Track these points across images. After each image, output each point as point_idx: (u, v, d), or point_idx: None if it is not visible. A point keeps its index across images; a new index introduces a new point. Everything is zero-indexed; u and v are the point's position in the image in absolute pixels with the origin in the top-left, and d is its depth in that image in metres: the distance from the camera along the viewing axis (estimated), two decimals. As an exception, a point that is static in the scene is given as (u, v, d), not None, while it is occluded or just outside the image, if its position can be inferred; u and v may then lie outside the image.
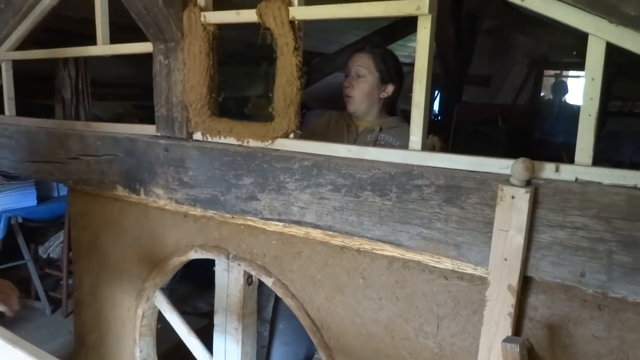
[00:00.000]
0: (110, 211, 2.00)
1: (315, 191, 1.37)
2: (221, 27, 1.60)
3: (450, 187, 1.17)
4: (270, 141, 1.49)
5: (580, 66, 4.66)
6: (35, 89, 2.91)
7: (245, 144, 1.54)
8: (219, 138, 1.60)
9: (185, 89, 1.61)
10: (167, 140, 1.67)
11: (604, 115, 3.94)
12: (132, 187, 1.81)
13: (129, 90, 3.99)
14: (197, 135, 1.65)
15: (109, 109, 3.79)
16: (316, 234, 1.44)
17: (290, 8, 1.38)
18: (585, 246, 1.03)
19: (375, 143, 1.83)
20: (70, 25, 2.76)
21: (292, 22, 1.39)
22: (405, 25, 4.53)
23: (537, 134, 4.00)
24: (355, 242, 1.37)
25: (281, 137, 1.47)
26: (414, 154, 1.25)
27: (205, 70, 1.57)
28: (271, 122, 1.49)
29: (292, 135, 1.47)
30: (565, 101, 5.31)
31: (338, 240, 1.41)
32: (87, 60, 2.91)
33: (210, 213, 1.65)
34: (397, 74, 1.90)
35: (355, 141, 1.87)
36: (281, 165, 1.43)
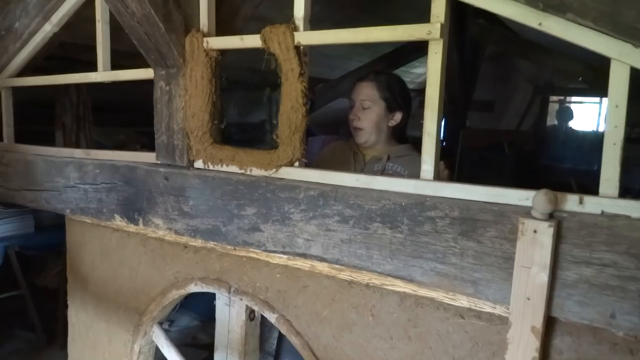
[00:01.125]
0: (108, 241, 1.93)
1: (321, 222, 1.30)
2: (224, 53, 1.56)
3: (466, 219, 1.10)
4: (274, 170, 1.42)
5: (586, 92, 4.67)
6: (36, 116, 2.87)
7: (248, 172, 1.48)
8: (221, 166, 1.54)
9: (186, 115, 1.56)
10: (168, 169, 1.62)
11: (612, 141, 3.89)
12: (131, 216, 1.75)
13: (131, 116, 3.97)
14: (199, 164, 1.60)
15: (111, 135, 3.75)
16: (322, 267, 1.36)
17: (295, 33, 1.34)
18: (614, 285, 0.95)
19: (383, 173, 1.77)
20: (71, 52, 2.74)
21: (297, 47, 1.35)
22: (410, 51, 4.55)
23: (544, 160, 3.94)
24: (364, 277, 1.29)
25: (286, 165, 1.41)
26: (426, 183, 1.18)
27: (207, 97, 1.53)
28: (275, 149, 1.43)
29: (297, 164, 1.41)
30: (570, 127, 5.27)
31: (346, 275, 1.33)
32: (89, 86, 2.88)
33: (211, 244, 1.58)
34: (404, 100, 1.84)
35: (362, 171, 1.81)
36: (286, 195, 1.36)
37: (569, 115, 5.32)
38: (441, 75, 1.17)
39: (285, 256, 1.41)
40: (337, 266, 1.31)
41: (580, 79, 3.84)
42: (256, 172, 1.46)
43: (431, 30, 1.14)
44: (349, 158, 1.87)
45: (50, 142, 2.84)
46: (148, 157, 1.72)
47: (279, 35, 1.34)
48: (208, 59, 1.51)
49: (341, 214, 1.27)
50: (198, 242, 1.62)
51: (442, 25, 1.14)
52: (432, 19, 1.15)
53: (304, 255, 1.35)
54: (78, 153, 1.95)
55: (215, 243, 1.56)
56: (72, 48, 2.73)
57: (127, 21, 1.47)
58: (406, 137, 1.92)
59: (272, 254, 1.44)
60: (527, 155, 3.72)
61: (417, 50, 4.52)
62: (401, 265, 1.19)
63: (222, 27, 1.59)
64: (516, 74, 6.56)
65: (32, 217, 2.99)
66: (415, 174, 1.67)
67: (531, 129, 4.40)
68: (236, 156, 1.50)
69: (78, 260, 2.05)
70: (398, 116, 1.84)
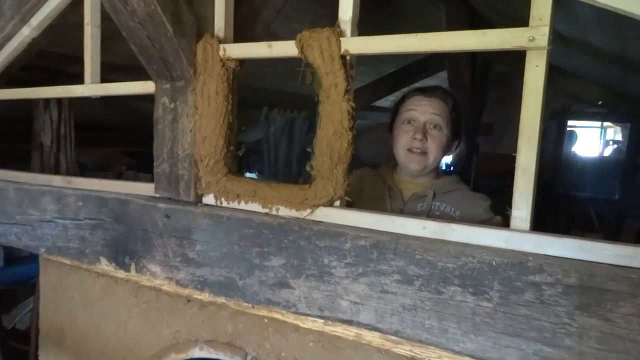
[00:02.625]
0: (91, 288, 1.59)
1: (375, 281, 1.01)
2: (242, 64, 1.27)
3: (588, 288, 0.81)
4: (309, 210, 1.13)
5: (605, 117, 4.51)
6: (10, 133, 2.54)
7: (275, 212, 1.18)
8: (238, 204, 1.24)
9: (195, 139, 1.26)
10: (169, 204, 1.31)
11: (634, 169, 3.70)
12: (121, 261, 1.43)
13: (115, 134, 3.64)
14: (209, 199, 1.29)
15: (95, 155, 3.42)
16: (372, 337, 1.06)
17: (342, 39, 1.06)
18: None
19: (429, 215, 1.43)
20: (54, 62, 2.43)
21: (343, 57, 1.07)
22: (415, 72, 4.32)
23: (561, 188, 3.71)
24: (431, 354, 0.99)
25: (324, 205, 1.11)
26: (525, 237, 0.90)
27: (223, 117, 1.23)
28: (310, 184, 1.14)
29: (338, 203, 1.12)
30: (574, 152, 5.09)
31: (404, 349, 1.03)
32: (72, 102, 2.56)
33: (221, 299, 1.27)
34: (463, 128, 1.54)
35: (401, 212, 1.48)
36: (325, 243, 1.07)
37: (574, 139, 5.15)
38: (543, 96, 0.90)
39: (321, 320, 1.10)
40: (394, 338, 1.01)
41: (600, 102, 3.65)
42: (285, 212, 1.16)
43: (534, 37, 0.87)
44: (383, 194, 1.54)
45: (25, 163, 2.50)
46: (144, 188, 1.41)
47: (322, 41, 1.06)
48: (224, 71, 1.22)
49: (403, 271, 0.98)
50: (205, 296, 1.30)
51: (548, 30, 0.87)
52: (532, 21, 0.89)
53: (349, 322, 1.05)
54: (57, 181, 1.63)
55: (227, 298, 1.25)
56: (55, 58, 2.42)
57: (126, 21, 1.18)
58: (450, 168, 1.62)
59: (303, 317, 1.13)
60: (545, 183, 3.50)
61: (423, 70, 4.30)
62: (489, 344, 0.90)
63: (239, 32, 1.31)
64: (515, 97, 6.39)
65: (1, 249, 2.62)
66: (468, 215, 1.40)
67: (549, 155, 4.19)
68: (258, 191, 1.20)
69: (53, 309, 1.71)
70: (454, 145, 1.52)
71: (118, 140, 3.61)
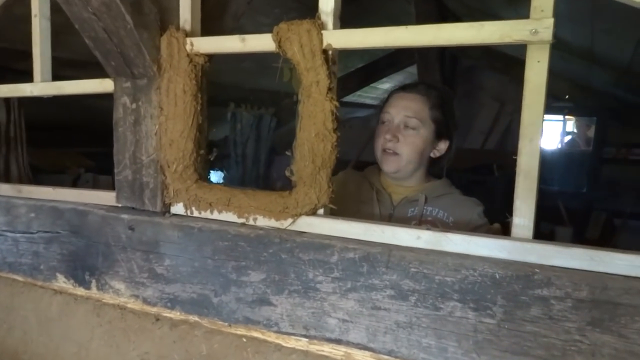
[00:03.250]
0: (47, 307, 1.45)
1: (365, 297, 0.92)
2: (211, 59, 1.16)
3: (600, 302, 0.75)
4: (290, 220, 1.03)
5: (571, 111, 4.58)
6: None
7: (252, 222, 1.08)
8: (211, 213, 1.13)
9: (161, 143, 1.14)
10: (133, 215, 1.19)
11: (600, 162, 3.76)
12: (80, 277, 1.30)
13: (73, 134, 3.43)
14: (178, 208, 1.18)
15: (50, 158, 3.21)
16: (363, 356, 0.97)
17: (323, 32, 0.96)
18: None
19: (421, 220, 1.34)
20: (1, 59, 2.24)
21: (325, 52, 0.97)
22: (384, 67, 4.27)
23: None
24: (428, 375, 0.91)
25: (307, 214, 1.02)
26: (530, 246, 0.83)
27: (192, 118, 1.12)
28: (290, 191, 1.04)
29: (322, 211, 1.03)
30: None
31: (398, 369, 0.95)
32: (22, 101, 2.37)
33: (194, 318, 1.16)
34: (453, 126, 1.44)
35: (390, 217, 1.39)
36: (310, 256, 0.97)
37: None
38: (545, 95, 0.83)
39: (306, 339, 1.01)
40: (388, 358, 0.93)
41: (567, 96, 3.69)
42: (263, 222, 1.06)
43: (537, 30, 0.80)
44: (370, 198, 1.43)
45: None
46: (105, 198, 1.28)
47: (302, 34, 0.96)
48: (192, 67, 1.11)
49: (397, 286, 0.89)
50: (176, 314, 1.19)
51: (552, 22, 0.80)
52: (533, 13, 0.81)
53: (338, 341, 0.96)
54: (5, 190, 1.47)
55: (200, 317, 1.14)
56: (2, 54, 2.23)
57: (78, 12, 1.05)
58: (442, 171, 1.49)
59: (287, 336, 1.04)
60: (513, 178, 3.51)
61: (391, 65, 4.26)
62: (493, 364, 0.83)
63: (207, 26, 1.19)
64: (481, 91, 6.46)
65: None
66: (461, 220, 1.33)
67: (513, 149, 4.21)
68: (233, 199, 1.10)
69: (5, 330, 1.55)
70: (443, 146, 1.40)
71: (75, 140, 3.41)
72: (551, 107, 4.13)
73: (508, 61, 3.66)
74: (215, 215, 1.12)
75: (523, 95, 0.84)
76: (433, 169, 1.46)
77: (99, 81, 1.25)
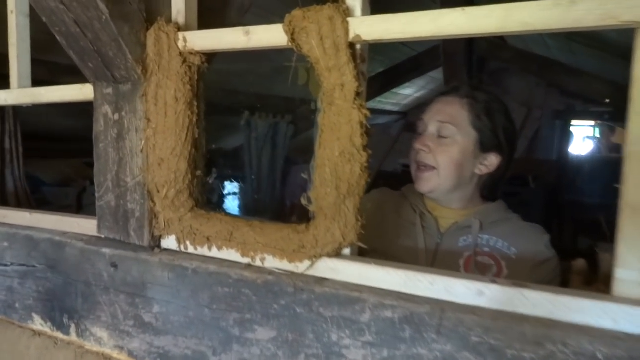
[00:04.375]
0: (26, 350, 1.24)
1: (408, 372, 0.69)
2: (211, 59, 0.95)
3: None
4: (307, 263, 0.80)
5: (612, 116, 4.27)
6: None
7: (259, 264, 0.85)
8: (209, 250, 0.91)
9: (149, 163, 0.93)
10: (116, 249, 0.97)
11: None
12: (58, 320, 1.09)
13: (80, 145, 3.26)
14: (170, 242, 0.96)
15: (54, 168, 3.04)
16: None
17: (350, 20, 0.74)
18: None
19: (476, 252, 1.09)
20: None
21: (352, 46, 0.75)
22: (406, 71, 4.03)
23: (569, 194, 3.43)
24: None
25: (330, 255, 0.79)
26: (647, 315, 0.58)
27: (185, 131, 0.90)
28: (308, 225, 0.81)
29: (348, 251, 0.80)
30: (577, 153, 4.85)
31: None
32: (19, 110, 2.19)
33: (190, 377, 0.94)
34: (507, 137, 1.16)
35: (437, 246, 1.15)
36: (333, 312, 0.74)
37: (572, 139, 4.92)
38: (665, 97, 0.59)
39: (329, 416, 0.78)
40: None
41: (607, 100, 3.40)
42: (274, 264, 0.84)
43: (658, 6, 0.56)
44: (413, 223, 1.19)
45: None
46: (85, 226, 1.07)
47: (322, 24, 0.74)
48: (186, 68, 0.89)
49: (452, 359, 0.66)
50: (168, 371, 0.97)
51: (680, -5, 0.56)
52: (649, -16, 0.58)
53: None
54: (-22, 213, 1.27)
55: (197, 376, 0.91)
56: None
57: (43, 0, 0.84)
58: (497, 192, 1.23)
59: (303, 411, 0.81)
60: (551, 189, 3.22)
61: (414, 69, 4.02)
62: None
63: (205, 20, 0.98)
64: (506, 96, 6.17)
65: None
66: (527, 253, 1.08)
67: (555, 158, 3.89)
68: (236, 233, 0.87)
69: (-19, 374, 1.36)
70: (493, 160, 1.15)
71: (80, 151, 3.23)
72: (589, 112, 3.85)
73: (543, 63, 3.39)
74: (214, 253, 0.90)
75: (630, 99, 0.60)
76: (489, 189, 1.21)
77: (79, 87, 1.05)
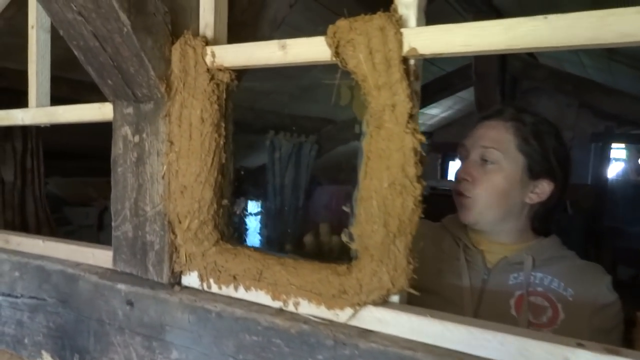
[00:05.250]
0: (33, 389, 1.15)
1: None
2: (241, 76, 0.86)
3: None
4: (349, 311, 0.69)
5: None
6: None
7: (292, 309, 0.74)
8: (236, 290, 0.80)
9: (170, 190, 0.84)
10: (133, 285, 0.88)
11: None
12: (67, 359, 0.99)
13: (103, 163, 3.22)
14: (191, 279, 0.86)
15: (76, 187, 3.00)
16: None
17: (403, 31, 0.64)
18: None
19: (529, 292, 0.97)
20: (16, 82, 2.03)
21: (405, 61, 0.65)
22: (436, 91, 3.93)
23: (608, 221, 3.25)
24: None
25: (376, 303, 0.68)
26: None
27: (212, 156, 0.81)
28: (350, 266, 0.70)
29: (397, 298, 0.68)
30: (615, 177, 4.63)
31: None
32: (41, 129, 2.15)
33: None
34: (560, 161, 1.04)
35: (484, 283, 1.03)
36: (381, 372, 0.63)
37: (607, 162, 4.71)
38: None
39: None
40: None
41: (650, 123, 3.25)
42: (309, 309, 0.73)
43: None
44: (456, 257, 1.08)
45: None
46: (100, 257, 0.98)
47: (371, 35, 0.64)
48: (214, 86, 0.80)
49: None
50: None
51: None
52: None
53: None
54: (-9, 239, 1.20)
55: None
56: (16, 77, 2.03)
57: (60, 12, 0.76)
58: (549, 226, 1.10)
59: None
60: (589, 215, 3.05)
61: (443, 89, 3.90)
62: None
63: (236, 33, 0.89)
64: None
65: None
66: (586, 295, 0.95)
67: (590, 182, 3.71)
68: (266, 272, 0.77)
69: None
70: (545, 187, 1.03)
71: (103, 169, 3.19)
72: (631, 135, 3.67)
73: (578, 83, 3.25)
74: (241, 294, 0.80)
75: None
76: (541, 221, 1.08)
77: (98, 106, 0.97)
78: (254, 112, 3.38)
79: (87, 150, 3.15)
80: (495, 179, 1.02)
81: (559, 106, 5.57)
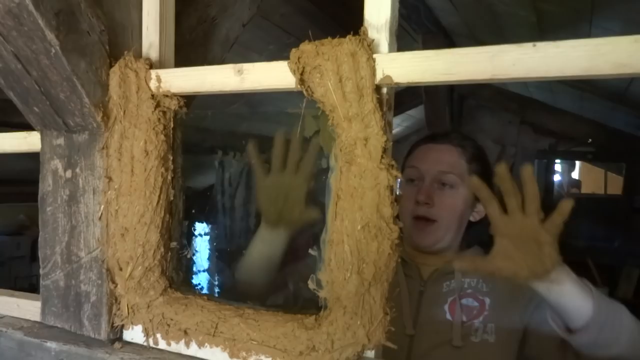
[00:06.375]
0: None
1: None
2: (190, 103, 0.77)
3: None
4: (319, 370, 0.61)
5: (596, 156, 4.24)
6: None
7: (254, 369, 0.65)
8: (187, 347, 0.70)
9: (109, 233, 0.73)
10: (65, 343, 0.75)
11: (632, 211, 3.40)
12: None
13: (36, 188, 2.99)
14: (134, 334, 0.75)
15: (7, 214, 2.76)
16: None
17: (376, 57, 0.57)
18: None
19: (460, 294, 1.04)
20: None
21: (378, 90, 0.58)
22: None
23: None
24: None
25: (349, 358, 0.60)
26: None
27: (158, 193, 0.71)
28: (318, 317, 0.63)
29: (371, 353, 0.61)
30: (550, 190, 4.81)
31: None
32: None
33: None
34: (492, 182, 1.11)
35: (421, 295, 1.07)
36: None
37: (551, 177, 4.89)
38: None
39: None
40: None
41: (590, 140, 3.37)
42: (274, 370, 0.64)
43: None
44: (396, 272, 1.07)
45: None
46: (27, 308, 0.85)
47: (341, 60, 0.57)
48: (160, 114, 0.71)
49: None
50: None
51: None
52: None
53: None
54: None
55: None
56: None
57: (-27, 29, 0.65)
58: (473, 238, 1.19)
59: None
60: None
61: (394, 107, 3.90)
62: None
63: (184, 54, 0.81)
64: (480, 133, 6.18)
65: None
66: (501, 292, 1.03)
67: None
68: (222, 325, 0.68)
69: None
70: (482, 208, 1.09)
71: (36, 194, 2.96)
72: (573, 152, 3.82)
73: (523, 102, 3.35)
74: (194, 351, 0.70)
75: None
76: (470, 235, 1.15)
77: (24, 135, 0.85)
78: (200, 132, 3.26)
79: (18, 174, 2.91)
80: (455, 203, 1.07)
81: (502, 123, 5.77)
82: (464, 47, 0.54)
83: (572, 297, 0.78)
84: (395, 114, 4.27)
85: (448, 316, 1.03)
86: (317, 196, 0.76)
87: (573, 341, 0.82)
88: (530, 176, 0.75)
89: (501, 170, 0.76)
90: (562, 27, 1.98)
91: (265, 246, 0.90)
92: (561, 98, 3.34)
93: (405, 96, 3.67)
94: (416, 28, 2.67)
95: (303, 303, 0.73)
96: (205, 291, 0.92)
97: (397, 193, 0.59)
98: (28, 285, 2.75)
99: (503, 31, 2.39)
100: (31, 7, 0.59)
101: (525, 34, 2.23)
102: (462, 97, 3.73)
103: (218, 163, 3.78)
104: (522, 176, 0.73)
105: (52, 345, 0.76)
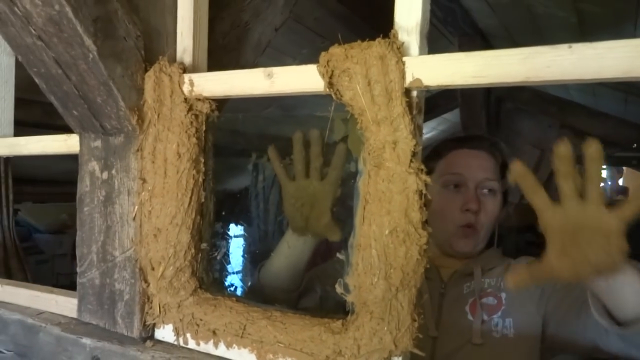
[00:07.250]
0: None
1: None
2: (222, 106, 0.78)
3: None
4: (346, 375, 0.61)
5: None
6: None
7: (281, 372, 0.65)
8: (215, 347, 0.71)
9: (143, 233, 0.75)
10: (99, 339, 0.78)
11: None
12: (25, 422, 0.88)
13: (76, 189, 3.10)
14: (165, 333, 0.76)
15: (49, 214, 2.86)
16: None
17: (406, 60, 0.57)
18: None
19: (480, 294, 1.02)
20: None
21: (407, 93, 0.58)
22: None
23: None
24: None
25: (375, 365, 0.59)
26: None
27: (189, 195, 0.72)
28: (345, 322, 0.62)
29: (398, 359, 0.60)
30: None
31: None
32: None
33: None
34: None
35: (442, 296, 1.05)
36: None
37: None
38: None
39: None
40: None
41: (635, 145, 3.24)
42: (300, 373, 0.64)
43: None
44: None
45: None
46: (64, 305, 0.88)
47: (370, 63, 0.57)
48: (192, 118, 0.72)
49: None
50: None
51: None
52: None
53: None
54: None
55: None
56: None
57: (18, 36, 0.68)
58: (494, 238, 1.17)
59: None
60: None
61: (429, 111, 3.86)
62: None
63: (217, 59, 0.82)
64: (519, 137, 6.03)
65: None
66: (520, 297, 1.01)
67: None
68: (250, 327, 0.68)
69: None
70: (507, 209, 1.15)
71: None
72: (616, 157, 3.68)
73: (563, 105, 3.25)
74: (222, 351, 0.70)
75: None
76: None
77: (64, 137, 0.88)
78: (236, 135, 3.30)
79: (61, 174, 3.02)
80: (495, 209, 1.07)
81: (541, 127, 5.61)
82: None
83: (635, 286, 0.66)
84: (431, 118, 4.22)
85: (469, 317, 1.03)
86: (345, 200, 0.76)
87: (627, 332, 0.73)
88: (597, 153, 0.58)
89: (517, 167, 0.63)
90: (604, 28, 1.91)
91: (291, 250, 0.90)
92: (604, 101, 3.22)
93: (440, 99, 3.62)
94: (452, 31, 2.63)
95: (332, 306, 0.73)
96: (238, 292, 0.93)
97: (428, 197, 0.58)
98: (69, 282, 2.85)
99: (542, 33, 2.32)
100: (70, 14, 0.61)
101: (566, 36, 2.16)
102: (499, 100, 3.64)
103: (252, 166, 3.81)
104: (586, 153, 0.58)
105: (87, 341, 0.79)
